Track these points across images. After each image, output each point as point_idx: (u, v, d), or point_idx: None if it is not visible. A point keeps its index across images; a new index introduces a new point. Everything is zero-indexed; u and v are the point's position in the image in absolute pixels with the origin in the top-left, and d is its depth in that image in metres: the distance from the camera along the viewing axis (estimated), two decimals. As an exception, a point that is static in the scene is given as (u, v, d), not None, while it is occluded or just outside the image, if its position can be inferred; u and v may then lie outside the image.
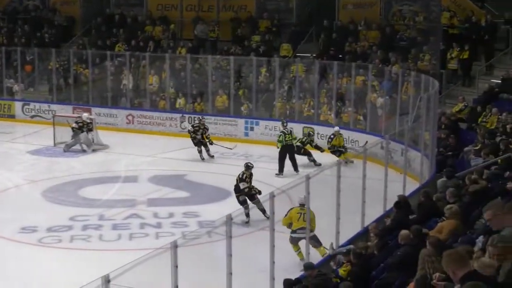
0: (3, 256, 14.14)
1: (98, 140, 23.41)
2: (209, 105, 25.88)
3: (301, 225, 12.91)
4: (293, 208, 13.24)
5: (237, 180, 16.14)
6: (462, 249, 5.79)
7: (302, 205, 13.02)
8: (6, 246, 14.75)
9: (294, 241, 13.12)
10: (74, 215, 16.42)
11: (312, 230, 12.93)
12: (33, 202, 17.70)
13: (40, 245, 14.77)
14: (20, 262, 13.76)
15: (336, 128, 21.52)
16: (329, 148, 21.17)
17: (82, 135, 22.80)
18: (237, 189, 16.03)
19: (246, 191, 15.88)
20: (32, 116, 27.96)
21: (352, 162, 19.29)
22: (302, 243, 12.89)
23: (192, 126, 22.30)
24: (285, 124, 20.90)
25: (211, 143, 21.74)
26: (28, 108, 28.22)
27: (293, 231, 13.15)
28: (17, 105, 28.45)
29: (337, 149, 20.99)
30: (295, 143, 20.56)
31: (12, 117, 28.36)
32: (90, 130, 23.01)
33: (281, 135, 20.40)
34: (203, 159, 21.51)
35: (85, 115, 23.79)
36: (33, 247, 14.62)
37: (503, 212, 7.20)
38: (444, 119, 20.05)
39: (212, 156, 21.78)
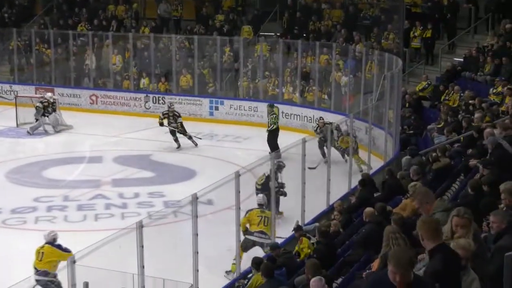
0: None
1: (62, 121, 23.18)
2: (174, 85, 25.76)
3: (261, 229, 12.01)
4: (252, 209, 12.29)
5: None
6: (437, 221, 5.86)
7: (260, 205, 12.39)
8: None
9: (248, 245, 11.92)
10: (39, 196, 16.31)
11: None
12: (-4, 184, 17.58)
13: (5, 226, 14.69)
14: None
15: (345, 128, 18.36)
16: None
17: (51, 116, 22.55)
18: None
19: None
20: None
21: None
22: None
23: (162, 113, 21.02)
24: (273, 107, 20.38)
25: (184, 134, 20.40)
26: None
27: (250, 233, 12.05)
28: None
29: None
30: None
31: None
32: (54, 110, 22.79)
33: (274, 116, 19.98)
34: (178, 146, 20.40)
35: (48, 94, 23.55)
36: (-4, 229, 14.54)
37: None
38: (407, 97, 20.21)
39: (196, 145, 20.53)
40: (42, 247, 10.90)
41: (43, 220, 15.00)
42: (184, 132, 20.53)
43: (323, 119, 19.25)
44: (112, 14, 29.52)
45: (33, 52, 28.01)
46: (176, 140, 20.47)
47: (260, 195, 12.22)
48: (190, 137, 20.54)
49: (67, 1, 31.07)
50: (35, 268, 10.54)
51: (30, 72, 28.01)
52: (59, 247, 10.87)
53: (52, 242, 11.01)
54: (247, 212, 12.10)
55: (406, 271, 4.83)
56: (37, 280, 10.40)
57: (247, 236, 11.90)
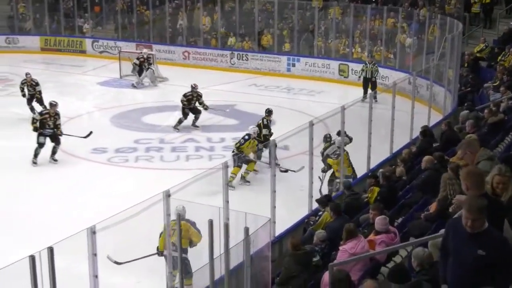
0: (78, 172, 14.43)
1: (159, 73, 23.48)
2: (255, 44, 25.72)
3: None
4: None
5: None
6: (482, 172, 5.64)
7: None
8: (80, 164, 15.03)
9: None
10: (138, 139, 16.65)
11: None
12: (102, 127, 17.91)
13: (109, 164, 15.06)
14: (92, 178, 14.06)
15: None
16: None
17: (148, 72, 22.81)
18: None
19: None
20: (101, 52, 28.11)
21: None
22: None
23: (185, 95, 17.77)
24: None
25: (206, 108, 17.86)
26: (97, 45, 28.36)
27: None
28: (88, 42, 28.57)
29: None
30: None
31: (83, 52, 28.53)
32: (150, 64, 23.02)
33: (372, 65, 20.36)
34: (178, 130, 17.54)
35: (145, 51, 23.83)
36: (103, 166, 14.91)
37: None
38: (466, 58, 19.68)
39: (197, 127, 17.74)
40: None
41: (142, 159, 15.33)
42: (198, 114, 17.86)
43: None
44: (203, -20, 29.48)
45: (134, 13, 28.31)
46: (181, 121, 17.58)
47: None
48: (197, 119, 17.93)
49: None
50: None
51: (132, 31, 28.37)
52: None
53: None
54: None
55: (477, 217, 4.68)
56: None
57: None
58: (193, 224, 9.13)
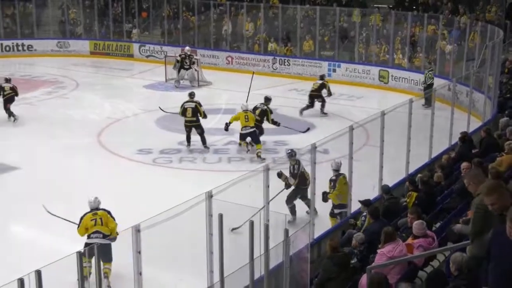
0: (123, 172, 14.57)
1: (203, 77, 23.62)
2: (297, 49, 25.69)
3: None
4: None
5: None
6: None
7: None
8: (126, 164, 15.18)
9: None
10: (182, 140, 16.65)
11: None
12: (148, 128, 18.12)
13: (154, 164, 15.17)
14: (138, 178, 14.17)
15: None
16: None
17: (188, 72, 23.03)
18: None
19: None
20: (147, 56, 28.44)
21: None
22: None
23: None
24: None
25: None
26: (144, 49, 28.69)
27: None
28: (135, 46, 28.95)
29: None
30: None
31: (130, 56, 28.90)
32: (192, 63, 23.14)
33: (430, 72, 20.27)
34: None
35: (187, 48, 23.98)
36: (148, 166, 15.02)
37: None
38: (507, 64, 19.35)
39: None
40: (95, 213, 9.85)
41: (186, 161, 15.41)
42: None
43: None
44: (247, -14, 29.57)
45: (180, 19, 28.56)
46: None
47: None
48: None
49: (209, -25, 31.36)
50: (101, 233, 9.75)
51: (177, 36, 28.60)
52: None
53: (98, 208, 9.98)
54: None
55: None
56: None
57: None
58: (109, 212, 9.93)
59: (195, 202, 8.07)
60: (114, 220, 9.85)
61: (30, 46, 29.56)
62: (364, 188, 11.95)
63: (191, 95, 16.77)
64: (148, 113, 19.81)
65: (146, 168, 14.88)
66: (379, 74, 23.27)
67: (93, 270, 8.52)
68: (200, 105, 16.25)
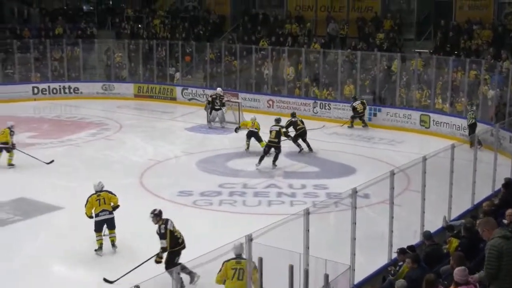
0: (165, 213, 14.50)
1: (243, 120, 23.72)
2: (338, 93, 25.73)
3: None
4: (228, 261, 9.31)
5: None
6: None
7: (238, 256, 9.34)
8: (166, 206, 15.17)
9: None
10: (223, 183, 16.79)
11: None
12: (189, 170, 18.24)
13: (194, 206, 15.21)
14: (178, 220, 14.16)
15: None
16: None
17: (219, 112, 23.29)
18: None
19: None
20: (190, 99, 28.77)
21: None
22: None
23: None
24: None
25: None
26: (186, 92, 29.04)
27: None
28: (178, 90, 29.32)
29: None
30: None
31: (173, 99, 29.27)
32: (223, 104, 23.39)
33: (471, 112, 20.75)
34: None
35: (218, 89, 24.28)
36: (188, 208, 15.08)
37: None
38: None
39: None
40: (99, 195, 12.51)
41: (226, 203, 15.40)
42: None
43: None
44: (288, 31, 29.85)
45: (222, 63, 28.91)
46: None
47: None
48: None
49: (251, 20, 31.78)
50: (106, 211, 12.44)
51: (219, 79, 28.93)
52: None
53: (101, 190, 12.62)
54: (222, 265, 9.27)
55: None
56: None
57: None
58: (110, 192, 12.55)
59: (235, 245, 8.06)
60: (115, 195, 12.59)
61: (76, 89, 30.23)
62: (405, 234, 11.81)
63: (277, 120, 19.05)
64: (189, 155, 19.98)
65: (186, 210, 14.94)
66: (420, 118, 23.13)
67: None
68: (283, 127, 18.81)
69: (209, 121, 23.43)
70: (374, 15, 28.95)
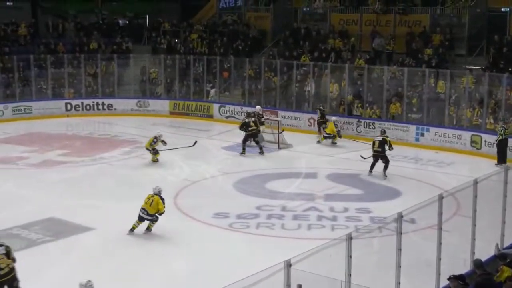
0: (198, 236, 14.68)
1: (283, 140, 23.78)
2: (384, 112, 25.57)
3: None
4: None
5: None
6: None
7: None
8: (201, 228, 15.27)
9: None
10: (261, 205, 16.77)
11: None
12: (225, 191, 18.27)
13: (231, 229, 15.17)
14: (213, 243, 14.24)
15: (333, 118, 24.61)
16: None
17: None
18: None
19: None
20: (227, 117, 28.92)
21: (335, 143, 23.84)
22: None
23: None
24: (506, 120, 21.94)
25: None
26: (224, 110, 29.22)
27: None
28: (215, 107, 29.53)
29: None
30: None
31: (210, 117, 29.47)
32: (261, 122, 23.46)
33: (502, 128, 20.97)
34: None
35: (258, 107, 24.42)
36: (224, 231, 15.04)
37: None
38: None
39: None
40: (153, 196, 14.45)
41: (263, 226, 15.34)
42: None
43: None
44: (331, 47, 29.86)
45: (261, 79, 29.02)
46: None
47: None
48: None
49: (292, 35, 31.88)
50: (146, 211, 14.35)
51: (258, 96, 29.02)
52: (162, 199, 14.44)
53: (158, 194, 14.48)
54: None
55: None
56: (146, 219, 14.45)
57: None
58: (162, 199, 14.46)
59: (273, 271, 8.02)
60: (164, 204, 14.38)
61: (110, 105, 30.66)
62: (454, 262, 11.61)
63: (382, 131, 20.69)
64: (226, 176, 20.02)
65: (222, 233, 14.93)
66: (471, 139, 22.81)
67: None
68: (387, 137, 20.09)
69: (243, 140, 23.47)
70: (423, 30, 28.78)
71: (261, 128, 23.62)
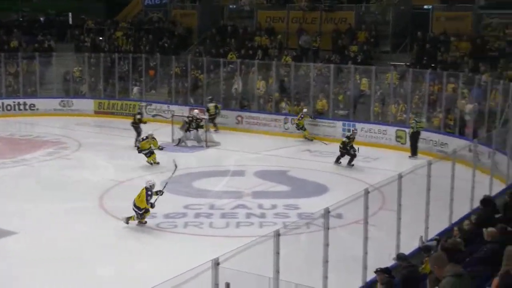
0: (126, 237, 14.52)
1: (211, 138, 23.76)
2: (310, 108, 25.84)
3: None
4: None
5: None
6: None
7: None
8: (129, 229, 15.11)
9: None
10: (188, 204, 16.71)
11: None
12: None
13: (158, 229, 15.08)
14: (141, 243, 14.13)
15: (305, 110, 24.60)
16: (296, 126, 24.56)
17: (193, 132, 23.30)
18: None
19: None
20: (154, 115, 28.65)
21: (311, 140, 24.01)
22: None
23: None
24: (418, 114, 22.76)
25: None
26: (150, 108, 28.96)
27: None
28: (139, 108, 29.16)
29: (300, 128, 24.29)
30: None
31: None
32: (199, 126, 23.43)
33: (414, 122, 21.88)
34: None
35: (195, 111, 24.34)
36: (151, 231, 14.95)
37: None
38: (531, 124, 19.35)
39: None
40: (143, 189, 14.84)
41: (191, 225, 15.29)
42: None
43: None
44: (258, 44, 30.00)
45: (188, 77, 28.90)
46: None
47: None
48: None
49: (219, 32, 31.88)
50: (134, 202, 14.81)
51: (185, 94, 28.89)
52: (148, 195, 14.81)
53: (147, 188, 14.87)
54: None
55: None
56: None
57: None
58: (148, 193, 14.91)
59: (200, 270, 7.99)
60: (147, 200, 14.79)
61: (32, 105, 29.96)
62: (381, 256, 11.82)
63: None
64: (153, 175, 19.79)
65: (149, 233, 14.82)
66: (396, 134, 23.31)
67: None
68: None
69: (182, 141, 23.35)
70: (349, 27, 29.21)
71: (200, 131, 23.55)
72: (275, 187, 18.45)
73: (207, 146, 23.21)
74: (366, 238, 10.94)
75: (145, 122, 23.41)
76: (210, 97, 26.27)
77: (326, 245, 10.00)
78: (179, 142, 23.39)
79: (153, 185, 15.02)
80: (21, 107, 29.86)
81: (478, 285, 8.74)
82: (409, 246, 11.95)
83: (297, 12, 30.82)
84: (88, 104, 30.25)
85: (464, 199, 14.10)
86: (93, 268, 12.68)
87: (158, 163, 20.58)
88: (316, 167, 20.29)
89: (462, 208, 13.87)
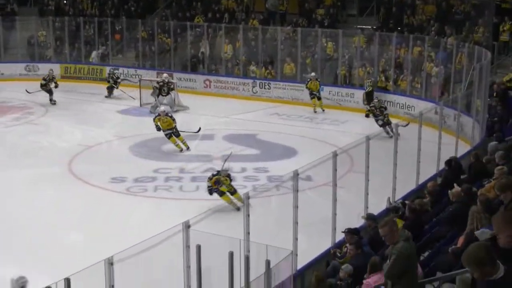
0: (95, 202, 14.50)
1: (179, 102, 23.67)
2: (278, 72, 25.84)
3: None
4: None
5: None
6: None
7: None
8: (99, 193, 15.09)
9: None
10: (158, 168, 16.70)
11: None
12: (121, 155, 18.07)
13: (128, 193, 15.08)
14: (111, 208, 14.12)
15: (313, 74, 23.44)
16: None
17: (167, 97, 23.16)
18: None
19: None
20: (121, 80, 28.32)
21: (323, 111, 23.02)
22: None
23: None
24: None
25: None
26: (117, 73, 28.62)
27: None
28: (108, 70, 28.86)
29: (312, 93, 23.05)
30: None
31: (103, 80, 28.72)
32: (170, 90, 23.31)
33: (368, 81, 22.89)
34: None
35: (165, 75, 24.17)
36: (122, 195, 14.96)
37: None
38: (495, 87, 19.57)
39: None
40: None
41: (161, 189, 15.33)
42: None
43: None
44: (224, 7, 29.81)
45: (155, 41, 28.64)
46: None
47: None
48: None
49: (185, -5, 31.60)
50: None
51: (153, 59, 28.67)
52: None
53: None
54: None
55: None
56: None
57: None
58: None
59: (171, 233, 8.04)
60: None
61: (-4, 70, 29.46)
62: (349, 217, 12.00)
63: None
64: (122, 140, 19.76)
65: (119, 197, 14.82)
66: (364, 97, 23.44)
67: None
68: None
69: (154, 106, 23.04)
70: (315, -10, 29.12)
71: (172, 94, 23.37)
72: (244, 150, 18.48)
73: (176, 111, 23.10)
74: (335, 200, 11.10)
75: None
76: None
77: (296, 207, 10.12)
78: (154, 109, 23.06)
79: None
80: (-15, 72, 29.35)
81: (444, 244, 8.96)
82: (377, 207, 12.17)
83: (264, -26, 30.61)
84: (54, 68, 29.66)
85: (430, 161, 14.33)
86: (62, 233, 12.67)
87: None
88: (284, 130, 20.36)
89: (429, 170, 14.11)
